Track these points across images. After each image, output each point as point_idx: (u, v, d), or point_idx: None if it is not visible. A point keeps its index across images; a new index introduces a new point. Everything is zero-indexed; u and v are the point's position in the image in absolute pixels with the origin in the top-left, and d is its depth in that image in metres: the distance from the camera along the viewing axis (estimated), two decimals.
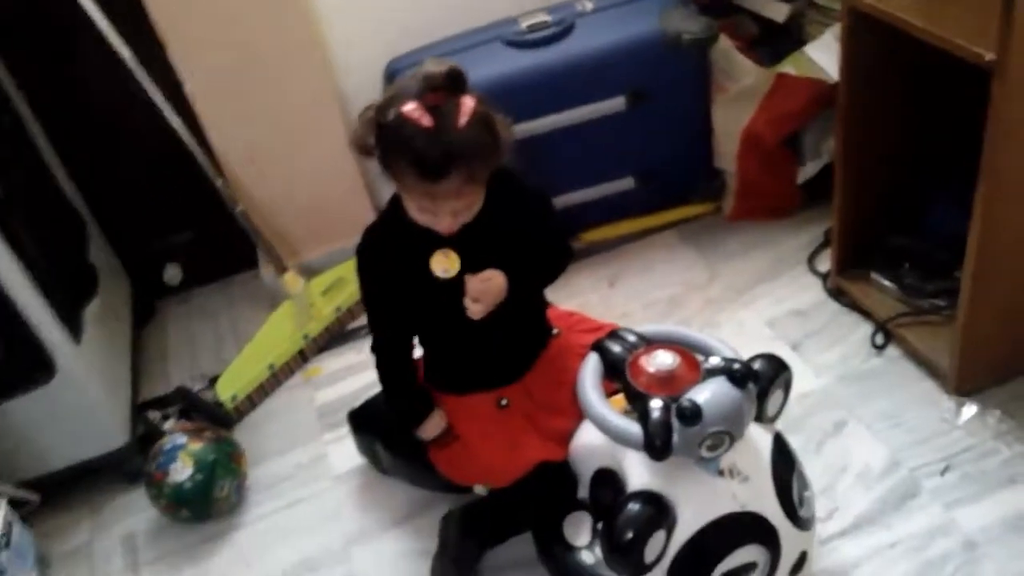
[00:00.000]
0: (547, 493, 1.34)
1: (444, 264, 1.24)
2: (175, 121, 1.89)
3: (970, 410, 1.58)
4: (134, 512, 1.76)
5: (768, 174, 2.06)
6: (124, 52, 1.79)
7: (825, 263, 1.93)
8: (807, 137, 2.04)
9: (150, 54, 1.86)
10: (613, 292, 2.03)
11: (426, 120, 1.12)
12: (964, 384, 1.60)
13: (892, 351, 1.74)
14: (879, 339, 1.75)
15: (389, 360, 1.40)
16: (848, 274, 1.85)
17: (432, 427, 1.40)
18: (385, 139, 1.17)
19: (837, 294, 1.88)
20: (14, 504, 1.45)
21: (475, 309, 1.25)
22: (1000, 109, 1.30)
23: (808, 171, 2.06)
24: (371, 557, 1.58)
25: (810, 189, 2.06)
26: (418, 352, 1.45)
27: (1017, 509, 1.42)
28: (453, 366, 1.40)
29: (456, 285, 1.26)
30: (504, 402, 1.35)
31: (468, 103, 1.14)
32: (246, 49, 1.95)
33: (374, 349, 1.41)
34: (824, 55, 1.92)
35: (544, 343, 1.40)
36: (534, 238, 1.32)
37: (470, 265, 1.27)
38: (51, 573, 1.49)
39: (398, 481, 1.67)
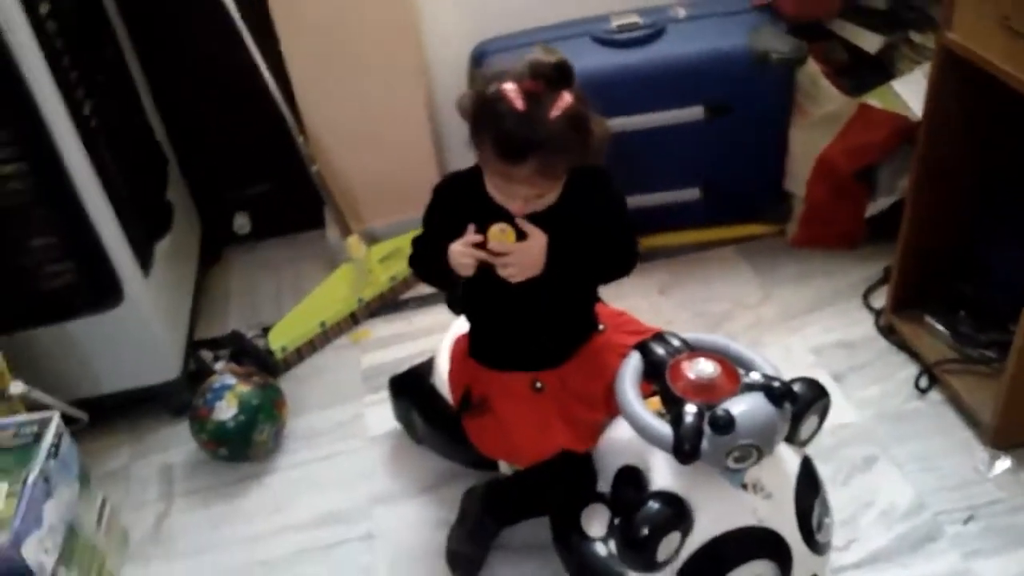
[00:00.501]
0: (567, 481, 1.36)
1: (500, 238, 1.24)
2: (267, 76, 1.96)
3: (1004, 464, 1.57)
4: (175, 445, 1.83)
5: (837, 203, 2.05)
6: (230, 3, 1.86)
7: (880, 300, 1.92)
8: (882, 172, 2.02)
9: (253, 9, 1.94)
10: (663, 299, 2.04)
11: (519, 103, 1.14)
12: (1002, 438, 1.58)
13: (935, 395, 1.73)
14: (924, 382, 1.74)
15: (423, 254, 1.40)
16: (902, 314, 1.84)
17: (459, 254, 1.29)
18: (479, 110, 1.19)
19: (888, 332, 1.87)
20: (65, 420, 1.52)
21: (508, 271, 1.24)
22: None
23: (879, 205, 2.04)
24: (393, 519, 1.63)
25: (877, 224, 2.03)
26: (464, 327, 1.48)
27: None
28: (494, 341, 1.41)
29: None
30: (539, 385, 1.36)
31: (566, 98, 1.15)
32: (344, 17, 2.01)
33: (412, 258, 1.43)
34: (911, 91, 1.90)
35: (588, 336, 1.42)
36: (603, 235, 1.32)
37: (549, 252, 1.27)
38: (91, 488, 1.57)
39: (428, 451, 1.71)
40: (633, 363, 1.30)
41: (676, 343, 1.30)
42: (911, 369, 1.78)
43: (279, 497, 1.71)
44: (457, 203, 1.30)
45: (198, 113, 2.22)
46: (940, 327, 1.78)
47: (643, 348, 1.31)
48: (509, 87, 1.15)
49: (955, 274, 1.78)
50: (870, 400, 1.72)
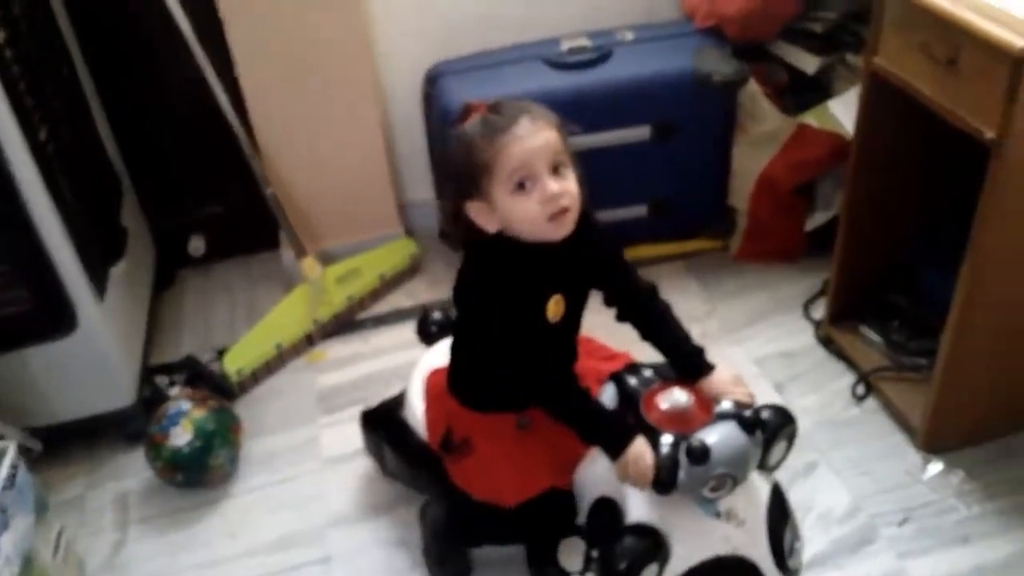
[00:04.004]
0: (550, 517, 1.36)
1: (555, 310, 1.24)
2: (222, 97, 1.97)
3: (936, 467, 1.64)
4: (130, 473, 1.82)
5: (778, 219, 2.12)
6: (184, 23, 1.87)
7: (820, 311, 1.98)
8: (821, 188, 2.09)
9: (209, 29, 1.94)
10: (612, 313, 2.08)
11: (482, 110, 1.18)
12: (933, 442, 1.66)
13: (871, 403, 1.79)
14: (860, 390, 1.81)
15: (559, 388, 1.28)
16: (840, 324, 1.91)
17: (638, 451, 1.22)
18: (456, 162, 1.20)
19: (826, 342, 1.93)
20: (20, 449, 1.51)
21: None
22: (994, 186, 1.36)
23: (817, 220, 2.11)
24: (351, 541, 1.64)
25: (817, 238, 2.10)
26: (435, 360, 1.48)
27: (965, 567, 1.47)
28: (490, 388, 1.37)
29: (558, 328, 1.28)
30: (524, 422, 1.35)
31: None
32: (298, 38, 2.02)
33: (537, 391, 1.29)
34: (845, 111, 1.98)
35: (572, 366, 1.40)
36: (617, 279, 1.35)
37: (572, 303, 1.29)
38: (47, 518, 1.57)
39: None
40: (608, 395, 1.32)
41: (648, 373, 1.32)
42: (848, 378, 1.84)
43: (236, 522, 1.72)
44: (511, 281, 1.24)
45: (152, 135, 2.22)
46: (875, 336, 1.85)
47: (617, 379, 1.33)
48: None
49: (889, 286, 1.86)
50: (810, 408, 1.78)
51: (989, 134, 1.33)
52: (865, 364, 1.82)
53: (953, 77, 1.39)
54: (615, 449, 1.22)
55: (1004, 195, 1.36)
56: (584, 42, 2.09)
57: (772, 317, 2.04)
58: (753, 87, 2.08)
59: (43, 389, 1.74)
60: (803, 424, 1.72)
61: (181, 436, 1.69)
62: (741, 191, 2.13)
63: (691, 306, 2.09)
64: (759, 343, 1.97)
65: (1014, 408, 1.67)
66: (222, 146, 2.06)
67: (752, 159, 2.09)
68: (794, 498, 1.58)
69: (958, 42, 1.36)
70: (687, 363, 1.33)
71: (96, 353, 1.75)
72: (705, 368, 1.32)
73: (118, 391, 1.82)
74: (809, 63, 2.11)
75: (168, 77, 2.10)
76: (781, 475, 1.62)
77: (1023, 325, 1.55)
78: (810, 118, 2.05)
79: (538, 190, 1.16)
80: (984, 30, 1.30)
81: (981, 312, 1.49)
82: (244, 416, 1.86)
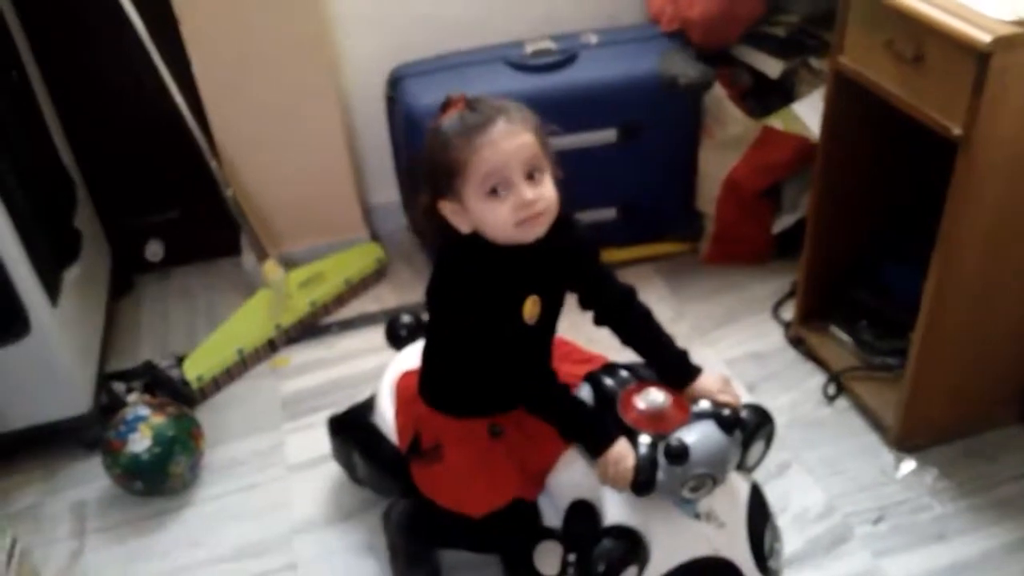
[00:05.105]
0: (515, 527, 1.34)
1: (532, 311, 1.23)
2: (179, 99, 1.93)
3: (909, 466, 1.65)
4: (87, 481, 1.77)
5: (745, 221, 2.13)
6: (138, 23, 1.83)
7: (789, 312, 1.99)
8: (787, 190, 2.11)
9: (164, 29, 1.91)
10: (582, 318, 2.07)
11: (461, 105, 1.16)
12: (906, 441, 1.66)
13: (842, 402, 1.80)
14: (831, 390, 1.81)
15: (539, 385, 1.27)
16: (809, 325, 1.92)
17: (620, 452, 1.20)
18: (431, 159, 1.18)
19: (797, 343, 1.94)
20: None
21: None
22: (962, 182, 1.37)
23: (784, 222, 2.12)
24: (316, 547, 1.61)
25: (784, 241, 2.12)
26: (404, 364, 1.45)
27: (941, 564, 1.48)
28: (463, 391, 1.35)
29: (533, 329, 1.26)
30: (497, 429, 1.33)
31: None
32: (257, 38, 2.00)
33: (516, 390, 1.28)
34: (810, 113, 1.99)
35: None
36: (593, 282, 1.33)
37: (548, 304, 1.27)
38: (0, 528, 1.51)
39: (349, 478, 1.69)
40: (583, 396, 1.30)
41: (624, 374, 1.30)
42: (819, 378, 1.85)
43: (197, 530, 1.67)
44: (481, 298, 1.22)
45: (107, 138, 2.17)
46: (844, 336, 1.86)
47: (593, 380, 1.31)
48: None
49: (857, 286, 1.87)
50: (781, 408, 1.78)
51: (956, 130, 1.34)
52: (836, 364, 1.83)
53: (919, 74, 1.41)
54: (597, 448, 1.20)
55: (971, 190, 1.38)
56: (548, 45, 2.09)
57: (742, 319, 2.04)
58: (718, 91, 2.09)
59: None
60: (776, 425, 1.74)
61: (140, 442, 1.64)
62: (708, 194, 2.14)
63: (660, 309, 2.03)
64: (729, 345, 1.97)
65: (985, 405, 1.68)
66: (180, 149, 2.01)
67: (718, 163, 2.10)
68: (769, 498, 1.58)
69: (924, 39, 1.38)
70: (673, 368, 1.31)
71: (49, 358, 1.70)
72: (692, 372, 1.30)
73: (73, 398, 1.77)
74: (773, 67, 2.13)
75: (123, 79, 2.05)
76: (755, 475, 1.63)
77: (993, 321, 1.57)
78: (775, 121, 2.07)
79: (512, 197, 1.15)
80: (950, 26, 1.31)
81: (951, 307, 1.50)
82: (206, 423, 1.81)
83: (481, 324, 1.22)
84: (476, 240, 1.20)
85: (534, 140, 1.16)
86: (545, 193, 1.17)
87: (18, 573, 1.51)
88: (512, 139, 1.14)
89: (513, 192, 1.14)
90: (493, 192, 1.15)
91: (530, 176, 1.16)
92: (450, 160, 1.15)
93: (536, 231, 1.18)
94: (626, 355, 1.36)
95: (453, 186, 1.17)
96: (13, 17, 1.94)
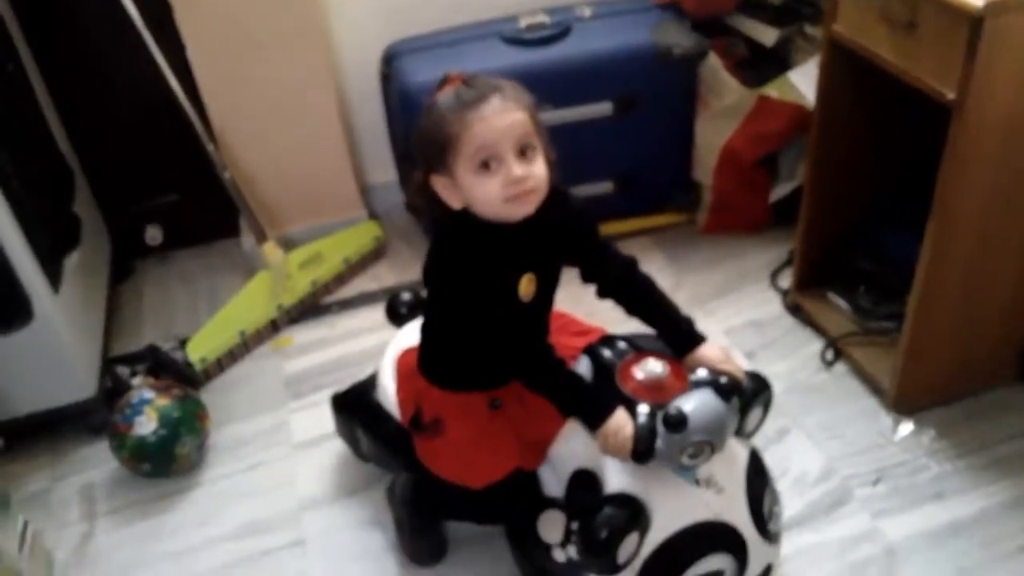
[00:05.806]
0: (515, 498, 1.35)
1: (527, 289, 1.23)
2: (174, 83, 1.93)
3: (906, 428, 1.67)
4: (95, 464, 1.79)
5: (742, 191, 2.13)
6: (132, 9, 1.83)
7: (787, 280, 2.00)
8: (783, 159, 2.11)
9: (157, 14, 1.90)
10: (582, 290, 2.08)
11: (458, 82, 1.16)
12: (903, 403, 1.68)
13: (840, 367, 1.82)
14: (829, 355, 1.83)
15: (535, 361, 1.26)
16: (807, 292, 1.93)
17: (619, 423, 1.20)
18: (425, 133, 1.18)
19: (795, 310, 1.95)
20: None
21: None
22: (956, 147, 1.37)
23: (780, 191, 2.13)
24: (323, 523, 1.63)
25: (781, 209, 2.12)
26: (406, 341, 1.46)
27: (939, 523, 1.50)
28: (462, 366, 1.36)
29: (529, 306, 1.26)
30: (496, 402, 1.34)
31: None
32: (251, 19, 1.99)
33: (513, 366, 1.29)
34: (805, 81, 1.99)
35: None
36: (593, 256, 1.33)
37: (543, 281, 1.27)
38: (12, 513, 1.53)
39: (354, 454, 1.70)
40: (583, 368, 1.31)
41: (622, 345, 1.31)
42: (817, 344, 1.87)
43: (205, 510, 1.69)
44: (473, 273, 1.22)
45: (104, 124, 2.17)
46: (842, 302, 1.87)
47: (592, 352, 1.32)
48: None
49: (854, 252, 1.88)
50: (780, 375, 1.79)
51: (950, 95, 1.34)
52: (833, 330, 1.84)
53: (913, 40, 1.41)
54: (595, 421, 1.21)
55: (966, 154, 1.38)
56: (542, 19, 2.08)
57: (740, 288, 2.06)
58: (713, 61, 2.09)
59: (1, 383, 1.70)
60: (774, 391, 1.75)
61: (146, 425, 1.66)
62: (705, 165, 2.14)
63: (659, 280, 2.00)
64: (728, 314, 1.98)
65: (981, 366, 1.69)
66: (176, 133, 2.01)
67: (714, 133, 2.10)
68: (768, 463, 1.60)
69: (917, 5, 1.37)
70: (680, 334, 1.32)
71: (53, 345, 1.71)
72: (698, 339, 1.31)
73: (78, 383, 1.78)
74: (768, 35, 2.12)
75: (119, 65, 2.05)
76: (754, 441, 1.65)
77: (987, 284, 1.58)
78: (771, 90, 2.06)
79: (502, 172, 1.15)
80: None
81: (947, 271, 1.51)
82: (210, 404, 1.82)
83: (473, 300, 1.23)
84: (467, 216, 1.21)
85: (527, 119, 1.17)
86: (535, 171, 1.17)
87: (31, 557, 1.53)
88: (505, 116, 1.15)
89: (503, 168, 1.15)
90: (484, 167, 1.15)
91: (522, 153, 1.16)
92: (443, 134, 1.16)
93: (524, 209, 1.18)
94: (624, 326, 1.37)
95: (445, 160, 1.17)
96: (7, 7, 1.94)
